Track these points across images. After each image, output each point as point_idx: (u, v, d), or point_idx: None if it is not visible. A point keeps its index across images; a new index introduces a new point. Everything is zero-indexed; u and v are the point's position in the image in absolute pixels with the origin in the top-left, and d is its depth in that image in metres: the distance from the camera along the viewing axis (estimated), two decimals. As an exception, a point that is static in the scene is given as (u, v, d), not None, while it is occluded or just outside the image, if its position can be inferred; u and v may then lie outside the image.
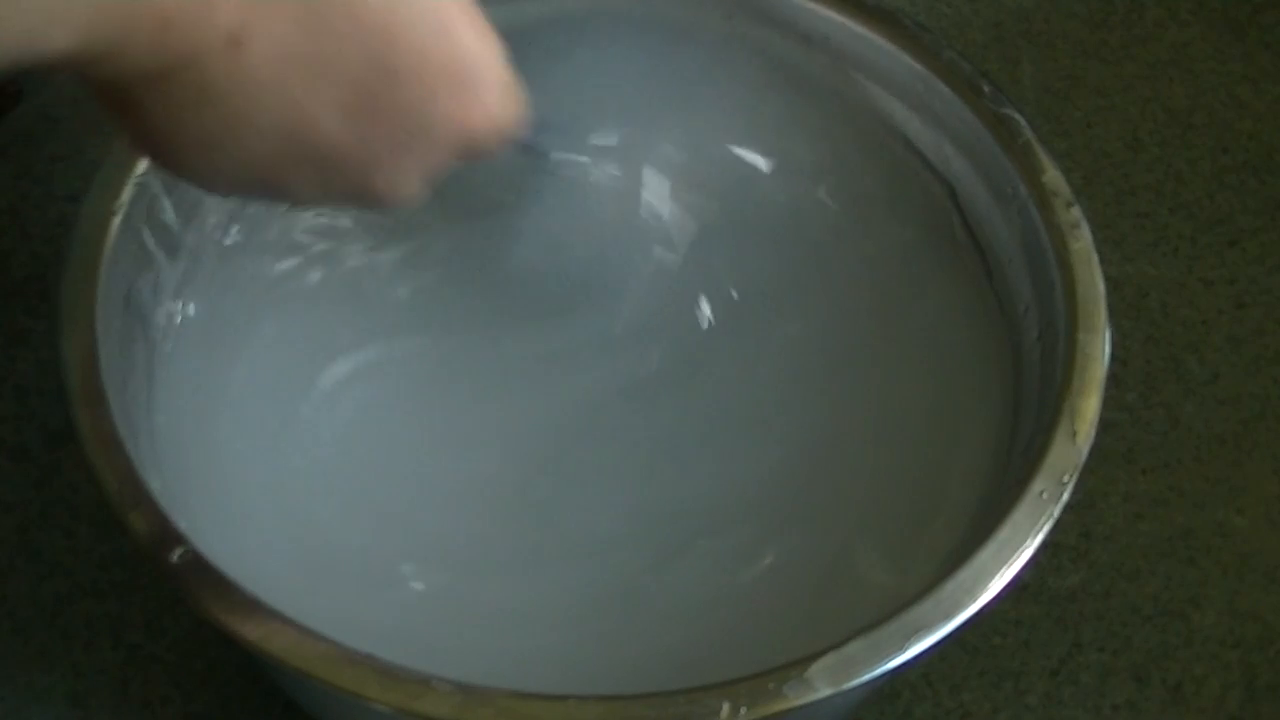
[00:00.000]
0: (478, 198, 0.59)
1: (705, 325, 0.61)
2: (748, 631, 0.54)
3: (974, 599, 0.47)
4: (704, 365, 0.60)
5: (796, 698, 0.45)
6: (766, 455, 0.58)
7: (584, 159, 0.61)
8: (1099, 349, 0.52)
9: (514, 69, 0.46)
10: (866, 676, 0.46)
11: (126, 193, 0.55)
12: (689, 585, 0.55)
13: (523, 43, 0.47)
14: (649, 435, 0.59)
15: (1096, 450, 0.50)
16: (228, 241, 0.60)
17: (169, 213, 0.57)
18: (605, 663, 0.53)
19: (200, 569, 0.47)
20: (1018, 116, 0.57)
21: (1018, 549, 0.48)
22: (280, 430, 0.58)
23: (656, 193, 0.63)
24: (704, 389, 0.60)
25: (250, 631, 0.46)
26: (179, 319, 0.58)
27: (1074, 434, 0.50)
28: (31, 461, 0.62)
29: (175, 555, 0.47)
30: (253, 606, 0.46)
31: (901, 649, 0.46)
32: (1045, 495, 0.49)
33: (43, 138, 0.70)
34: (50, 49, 0.35)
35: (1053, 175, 0.56)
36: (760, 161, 0.63)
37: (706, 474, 0.58)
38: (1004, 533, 0.48)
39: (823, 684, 0.45)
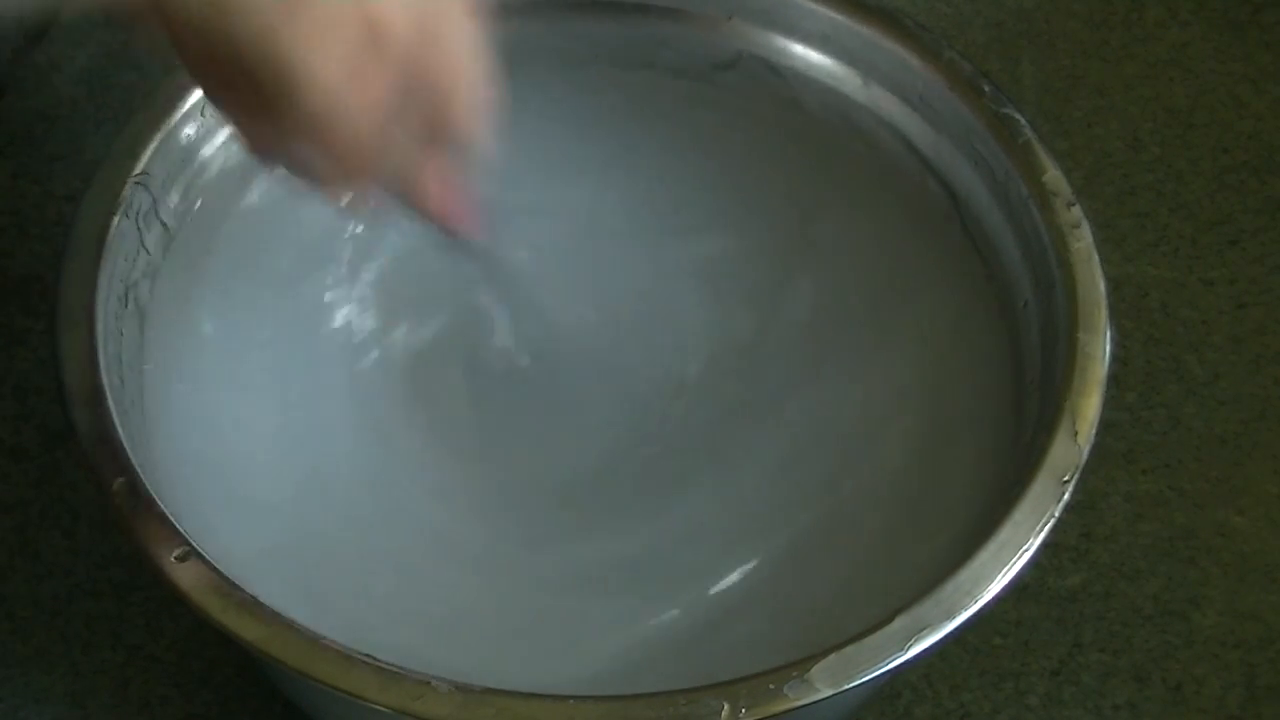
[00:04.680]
0: None
1: (697, 333, 0.61)
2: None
3: (974, 599, 0.47)
4: (694, 373, 0.60)
5: (797, 698, 0.45)
6: (763, 455, 0.58)
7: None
8: (1099, 349, 0.52)
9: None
10: (866, 677, 0.46)
11: (126, 192, 0.55)
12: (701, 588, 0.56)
13: None
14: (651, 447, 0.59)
15: (1096, 450, 0.51)
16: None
17: (168, 212, 0.57)
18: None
19: (199, 569, 0.47)
20: (1018, 116, 0.57)
21: (1018, 549, 0.48)
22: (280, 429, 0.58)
23: None
24: (697, 397, 0.60)
25: (250, 631, 0.46)
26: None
27: (1074, 434, 0.50)
28: (31, 461, 0.62)
29: (175, 555, 0.47)
30: (253, 606, 0.46)
31: (901, 649, 0.46)
32: (1045, 495, 0.49)
33: (41, 137, 0.70)
34: None
35: (1053, 175, 0.56)
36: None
37: (705, 480, 0.58)
38: (1004, 533, 0.48)
39: (823, 684, 0.45)
